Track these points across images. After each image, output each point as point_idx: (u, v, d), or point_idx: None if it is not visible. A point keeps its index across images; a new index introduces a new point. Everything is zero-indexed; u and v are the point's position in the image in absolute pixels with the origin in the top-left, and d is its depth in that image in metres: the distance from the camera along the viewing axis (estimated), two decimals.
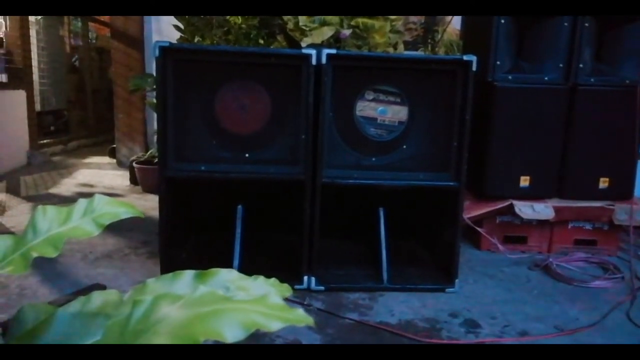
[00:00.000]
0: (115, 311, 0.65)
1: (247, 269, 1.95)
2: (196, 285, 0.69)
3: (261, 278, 0.73)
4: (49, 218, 0.59)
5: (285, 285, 0.75)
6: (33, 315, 0.64)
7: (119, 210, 0.63)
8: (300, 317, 0.47)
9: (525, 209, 2.23)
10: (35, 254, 0.57)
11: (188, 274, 0.70)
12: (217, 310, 0.44)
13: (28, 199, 3.25)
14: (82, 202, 0.63)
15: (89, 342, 0.62)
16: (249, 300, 0.47)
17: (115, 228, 1.93)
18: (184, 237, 2.11)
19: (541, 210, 2.22)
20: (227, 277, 0.71)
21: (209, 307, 0.45)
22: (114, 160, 4.44)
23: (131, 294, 0.67)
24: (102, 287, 1.80)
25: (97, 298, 0.65)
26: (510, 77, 2.25)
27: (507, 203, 2.29)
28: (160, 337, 0.42)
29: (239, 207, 1.99)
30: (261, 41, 3.31)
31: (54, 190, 3.52)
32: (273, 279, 0.75)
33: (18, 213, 2.90)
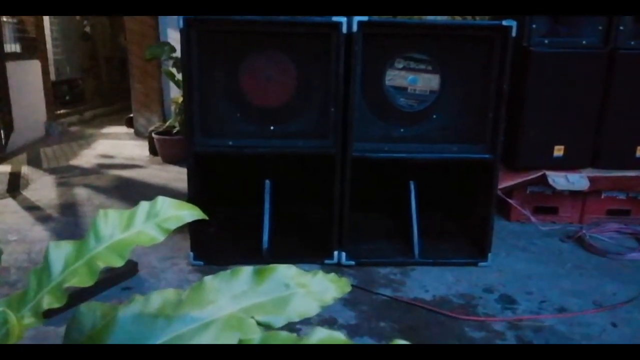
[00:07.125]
0: (174, 312, 0.62)
1: (277, 244, 1.94)
2: (255, 282, 0.67)
3: (320, 273, 0.70)
4: (111, 223, 0.56)
5: (344, 280, 0.72)
6: (90, 316, 0.62)
7: (183, 214, 0.60)
8: None
9: (559, 180, 2.17)
10: (101, 264, 0.54)
11: (246, 271, 0.67)
12: None
13: (50, 171, 3.25)
14: (144, 205, 0.59)
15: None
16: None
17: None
18: (212, 212, 2.09)
19: (576, 180, 2.16)
20: (286, 273, 0.68)
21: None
22: (132, 130, 4.42)
23: (189, 293, 0.64)
24: (134, 264, 1.81)
25: (156, 298, 0.62)
26: (546, 42, 2.14)
27: (539, 173, 2.22)
28: None
29: (267, 181, 1.96)
30: None
31: (74, 162, 3.52)
32: (332, 275, 0.71)
33: (41, 186, 2.90)
